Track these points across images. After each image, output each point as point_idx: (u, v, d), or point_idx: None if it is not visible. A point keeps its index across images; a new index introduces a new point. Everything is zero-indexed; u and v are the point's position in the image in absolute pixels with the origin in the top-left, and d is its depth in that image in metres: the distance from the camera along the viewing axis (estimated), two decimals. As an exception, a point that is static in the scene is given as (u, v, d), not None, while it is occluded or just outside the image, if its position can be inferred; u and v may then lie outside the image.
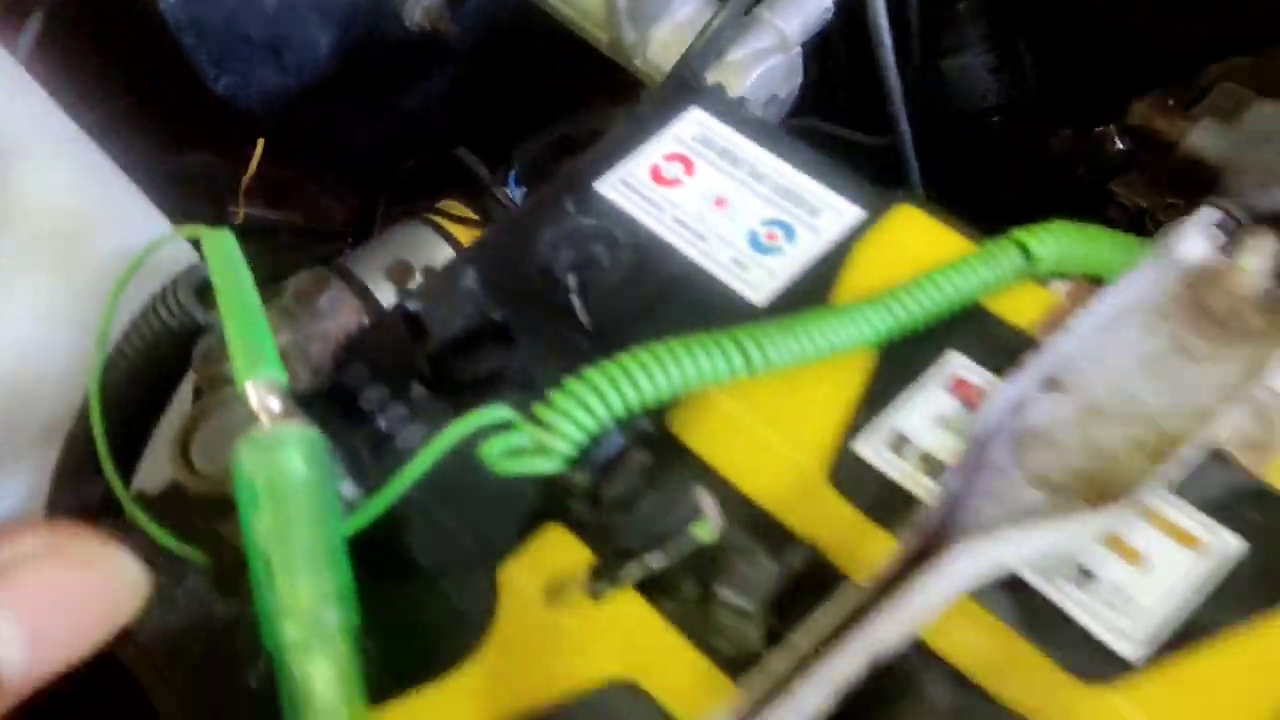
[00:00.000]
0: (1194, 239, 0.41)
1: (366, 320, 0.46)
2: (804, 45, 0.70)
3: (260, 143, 0.84)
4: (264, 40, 0.81)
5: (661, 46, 0.71)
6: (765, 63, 0.68)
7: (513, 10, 0.81)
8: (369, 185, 0.89)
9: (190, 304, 0.42)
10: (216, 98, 0.83)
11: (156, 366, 0.45)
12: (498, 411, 0.39)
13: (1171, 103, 0.77)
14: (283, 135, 0.85)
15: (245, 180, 0.82)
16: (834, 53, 0.86)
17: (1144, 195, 0.75)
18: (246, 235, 0.48)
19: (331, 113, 0.87)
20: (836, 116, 0.86)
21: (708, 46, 0.65)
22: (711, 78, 0.66)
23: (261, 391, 0.38)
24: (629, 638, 0.39)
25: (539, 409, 0.39)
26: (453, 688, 0.39)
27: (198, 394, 0.45)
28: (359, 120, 0.89)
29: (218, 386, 0.40)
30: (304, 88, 0.85)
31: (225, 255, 0.41)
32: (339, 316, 0.43)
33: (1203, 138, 0.73)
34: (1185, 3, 0.84)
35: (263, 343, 0.39)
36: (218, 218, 0.82)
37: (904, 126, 0.71)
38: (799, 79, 0.70)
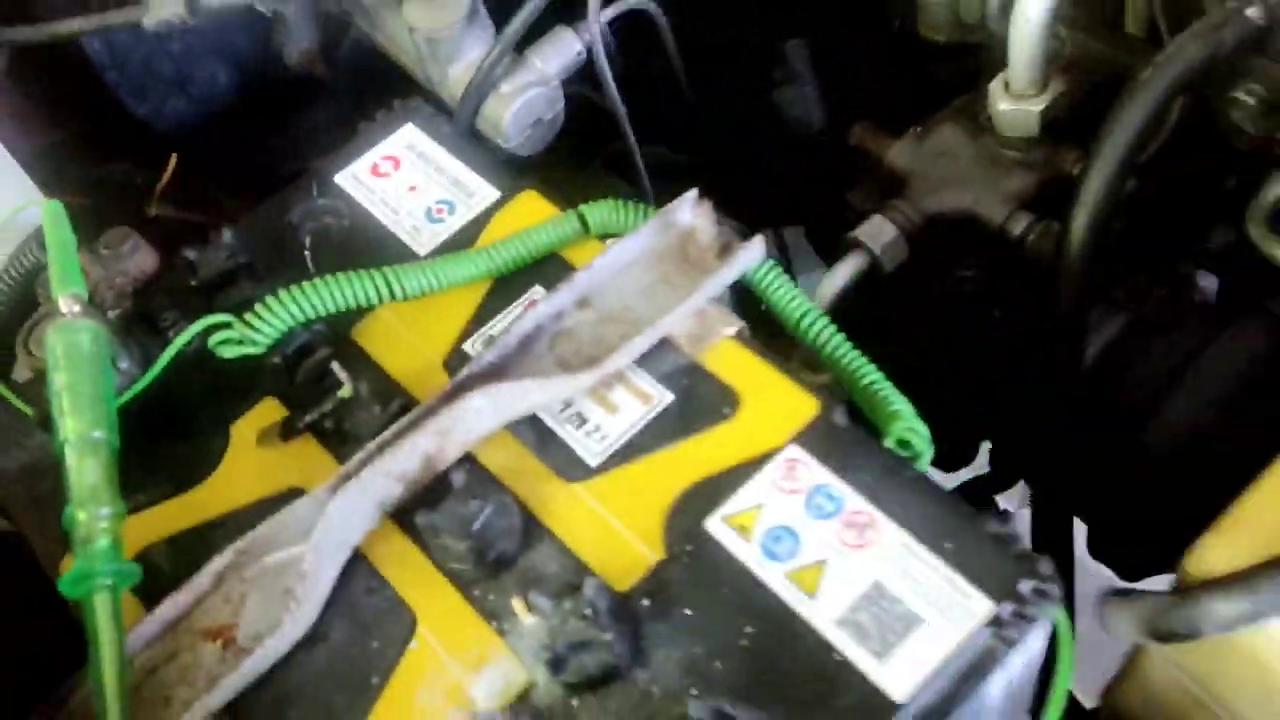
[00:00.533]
0: (683, 210, 0.62)
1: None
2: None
3: (174, 157, 1.07)
4: (172, 77, 1.04)
5: (456, 82, 0.92)
6: (528, 94, 0.89)
7: (379, 54, 1.04)
8: (264, 193, 1.11)
9: (38, 251, 0.65)
10: (139, 121, 1.06)
11: (20, 294, 0.67)
12: (220, 316, 0.61)
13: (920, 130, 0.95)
14: (193, 152, 1.08)
15: (159, 187, 1.05)
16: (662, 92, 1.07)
17: (865, 201, 0.95)
18: (159, 232, 0.70)
19: (232, 135, 1.10)
20: (663, 140, 1.08)
21: (484, 81, 0.87)
22: (490, 105, 0.88)
23: (67, 300, 0.60)
24: (302, 462, 0.61)
25: (246, 315, 0.61)
26: (193, 497, 0.61)
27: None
28: (256, 141, 1.12)
29: (46, 302, 0.62)
30: (208, 114, 1.08)
31: (54, 217, 0.63)
32: (138, 261, 0.65)
33: (896, 155, 0.93)
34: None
35: (73, 270, 0.61)
36: (135, 218, 1.05)
37: (631, 142, 0.92)
38: (560, 105, 0.91)
